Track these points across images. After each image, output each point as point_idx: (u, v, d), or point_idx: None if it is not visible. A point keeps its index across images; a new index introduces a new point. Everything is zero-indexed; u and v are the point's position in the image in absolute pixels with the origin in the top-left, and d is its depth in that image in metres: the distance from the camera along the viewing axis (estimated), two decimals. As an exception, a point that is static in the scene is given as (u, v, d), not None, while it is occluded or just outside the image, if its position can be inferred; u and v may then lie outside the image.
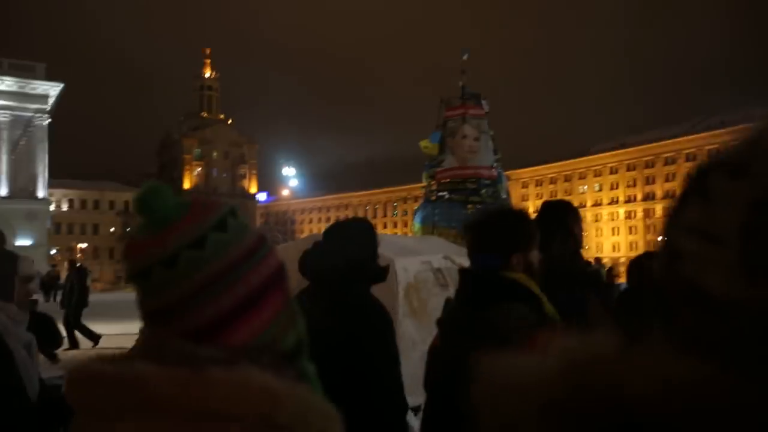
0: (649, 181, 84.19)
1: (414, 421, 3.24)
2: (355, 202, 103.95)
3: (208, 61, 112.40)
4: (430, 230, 21.27)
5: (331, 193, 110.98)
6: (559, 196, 65.34)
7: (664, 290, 0.43)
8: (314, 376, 0.92)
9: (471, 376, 0.54)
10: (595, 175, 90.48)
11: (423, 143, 26.20)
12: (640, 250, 76.12)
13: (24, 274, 2.39)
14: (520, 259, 2.01)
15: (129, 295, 1.03)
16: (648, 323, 0.45)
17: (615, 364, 0.42)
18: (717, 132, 70.97)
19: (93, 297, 13.84)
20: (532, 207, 64.27)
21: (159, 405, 0.73)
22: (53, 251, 61.01)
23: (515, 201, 59.60)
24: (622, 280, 9.00)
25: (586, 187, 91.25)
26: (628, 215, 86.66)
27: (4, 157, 47.97)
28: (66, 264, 16.06)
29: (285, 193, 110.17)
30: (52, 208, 57.12)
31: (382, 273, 2.43)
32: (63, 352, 10.34)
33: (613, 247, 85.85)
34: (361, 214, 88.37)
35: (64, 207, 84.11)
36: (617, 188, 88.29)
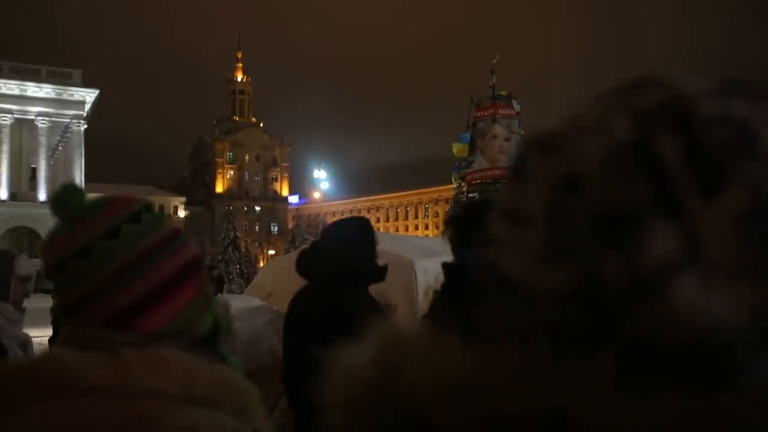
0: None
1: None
2: (386, 204, 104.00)
3: (240, 65, 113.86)
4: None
5: (362, 196, 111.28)
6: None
7: (477, 278, 0.41)
8: (232, 358, 0.94)
9: None
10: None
11: (455, 146, 26.10)
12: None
13: (21, 273, 2.37)
14: None
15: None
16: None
17: (406, 351, 0.40)
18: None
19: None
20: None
21: (77, 386, 0.74)
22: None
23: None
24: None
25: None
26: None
27: (43, 163, 49.16)
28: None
29: (316, 195, 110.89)
30: (89, 211, 58.11)
31: (379, 272, 2.36)
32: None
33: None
34: (392, 216, 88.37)
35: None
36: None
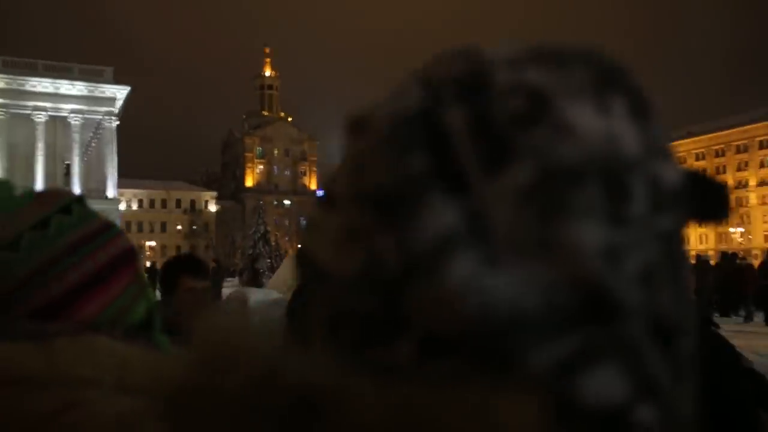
0: (719, 170, 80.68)
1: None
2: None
3: (269, 60, 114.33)
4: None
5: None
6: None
7: (300, 264, 0.38)
8: (169, 347, 0.94)
9: None
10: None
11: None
12: (711, 244, 73.23)
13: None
14: None
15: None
16: None
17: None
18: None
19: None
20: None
21: (7, 376, 0.73)
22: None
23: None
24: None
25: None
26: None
27: (77, 159, 49.99)
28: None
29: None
30: (122, 207, 59.22)
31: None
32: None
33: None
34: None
35: (134, 206, 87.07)
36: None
